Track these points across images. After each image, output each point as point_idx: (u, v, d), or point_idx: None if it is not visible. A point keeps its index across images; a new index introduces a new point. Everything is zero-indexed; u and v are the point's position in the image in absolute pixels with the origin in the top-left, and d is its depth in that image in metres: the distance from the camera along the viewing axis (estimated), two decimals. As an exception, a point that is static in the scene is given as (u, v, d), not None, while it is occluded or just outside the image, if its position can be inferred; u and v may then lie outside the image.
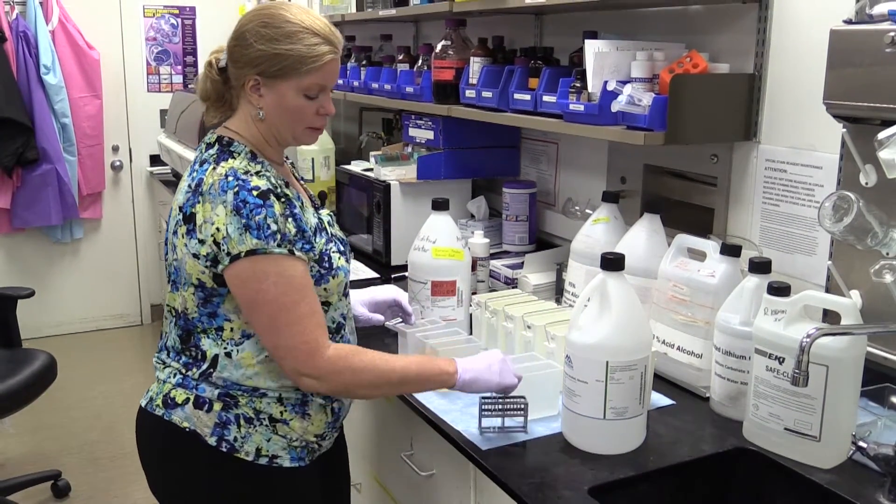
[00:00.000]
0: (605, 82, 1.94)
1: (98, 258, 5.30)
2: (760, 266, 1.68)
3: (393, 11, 2.96)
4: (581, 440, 1.59)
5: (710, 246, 1.86)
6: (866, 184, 1.67)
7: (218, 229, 1.48)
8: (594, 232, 2.14)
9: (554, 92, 2.16)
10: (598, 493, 1.45)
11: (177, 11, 5.23)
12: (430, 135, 2.83)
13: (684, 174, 2.21)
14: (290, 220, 1.53)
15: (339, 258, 1.65)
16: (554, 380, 1.69)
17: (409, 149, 2.99)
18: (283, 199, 1.53)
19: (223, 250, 1.48)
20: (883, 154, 1.43)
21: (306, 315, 1.51)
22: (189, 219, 1.53)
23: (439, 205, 2.10)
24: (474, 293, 2.25)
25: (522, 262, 2.46)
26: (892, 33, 1.51)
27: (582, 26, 2.33)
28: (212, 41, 5.19)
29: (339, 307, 1.67)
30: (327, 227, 1.69)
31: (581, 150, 2.58)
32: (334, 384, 1.55)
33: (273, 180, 1.54)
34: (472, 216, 2.87)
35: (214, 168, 1.54)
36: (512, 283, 2.44)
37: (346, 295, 1.70)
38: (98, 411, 4.24)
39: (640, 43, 2.05)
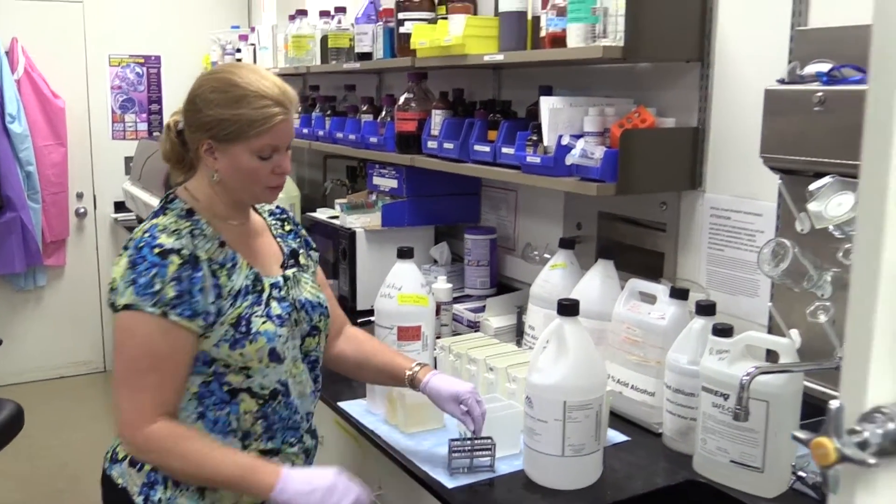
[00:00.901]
0: (560, 137, 2.06)
1: (61, 305, 5.30)
2: (706, 308, 1.80)
3: (357, 65, 3.07)
4: (542, 476, 1.67)
5: (661, 290, 1.97)
6: (801, 231, 1.79)
7: (115, 279, 1.53)
8: (552, 277, 2.24)
9: (512, 144, 2.27)
10: (558, 526, 1.53)
11: (142, 60, 5.31)
12: (393, 183, 2.93)
13: (636, 220, 2.33)
14: (174, 282, 1.51)
15: (264, 323, 1.60)
16: (516, 419, 1.78)
17: (374, 197, 3.08)
18: (185, 261, 1.52)
19: (112, 299, 1.53)
20: (811, 206, 1.56)
21: (150, 386, 1.52)
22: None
23: (404, 253, 2.19)
24: (438, 337, 2.34)
25: (484, 306, 2.56)
26: (819, 93, 1.65)
27: (538, 80, 2.46)
28: (177, 89, 5.27)
29: (267, 373, 1.62)
30: (268, 288, 1.65)
31: (539, 197, 2.70)
32: (145, 458, 1.58)
33: (186, 241, 1.55)
34: (435, 261, 2.97)
35: (146, 223, 1.60)
36: (474, 326, 2.53)
37: (278, 360, 1.62)
38: (63, 460, 4.22)
39: (592, 99, 2.18)
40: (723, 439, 1.65)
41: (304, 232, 1.90)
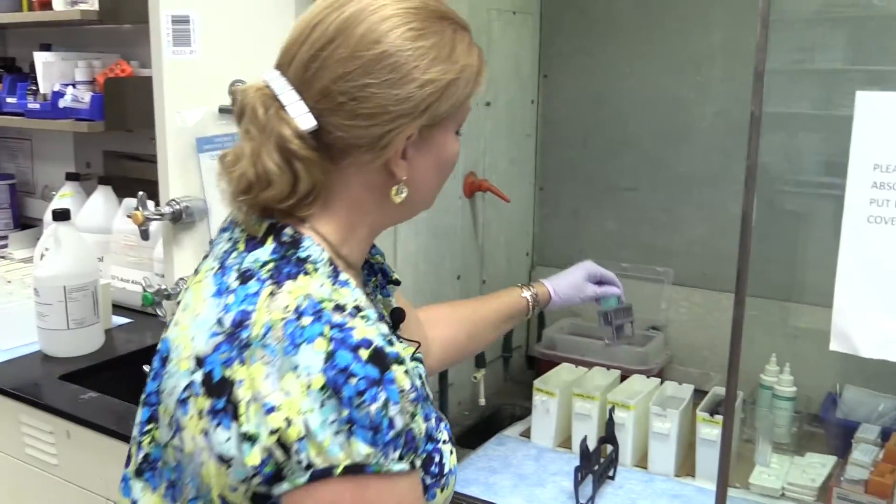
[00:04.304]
0: (54, 85, 2.48)
1: None
2: (177, 211, 2.37)
3: None
4: (54, 349, 2.12)
5: (151, 205, 2.49)
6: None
7: (289, 421, 0.79)
8: (62, 204, 2.66)
9: (15, 94, 2.63)
10: (68, 378, 2.00)
11: None
12: None
13: (137, 156, 2.82)
14: (419, 407, 0.86)
15: (452, 452, 1.00)
16: (28, 311, 2.19)
17: None
18: (402, 361, 0.85)
19: (296, 458, 0.79)
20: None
21: None
22: (219, 388, 0.84)
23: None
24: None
25: (7, 243, 2.89)
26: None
27: (43, 39, 2.82)
28: None
29: None
30: (425, 386, 0.95)
31: (52, 144, 3.06)
32: None
33: (375, 321, 0.87)
34: (-42, 210, 3.19)
35: (273, 293, 0.86)
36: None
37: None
38: None
39: (83, 54, 2.62)
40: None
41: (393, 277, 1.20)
